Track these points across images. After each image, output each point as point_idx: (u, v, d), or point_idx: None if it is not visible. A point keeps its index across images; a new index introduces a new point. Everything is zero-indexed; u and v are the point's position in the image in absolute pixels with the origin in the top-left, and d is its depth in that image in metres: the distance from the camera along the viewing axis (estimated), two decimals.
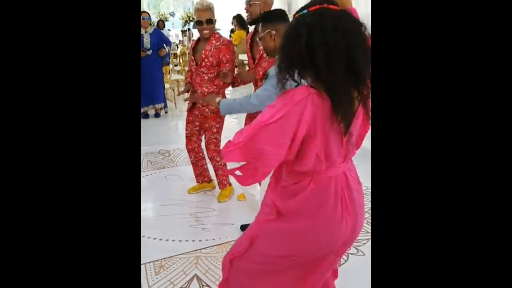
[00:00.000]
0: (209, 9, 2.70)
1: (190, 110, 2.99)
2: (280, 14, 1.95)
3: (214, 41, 2.75)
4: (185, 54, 7.60)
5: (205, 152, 3.09)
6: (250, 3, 2.60)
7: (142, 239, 2.52)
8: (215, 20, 2.78)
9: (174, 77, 6.65)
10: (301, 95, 1.04)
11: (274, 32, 1.86)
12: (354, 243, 2.44)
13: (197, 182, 3.26)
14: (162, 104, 5.60)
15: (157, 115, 5.63)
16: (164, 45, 5.38)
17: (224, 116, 2.74)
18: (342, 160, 1.18)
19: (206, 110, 2.84)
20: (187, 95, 3.06)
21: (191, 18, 11.75)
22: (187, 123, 3.03)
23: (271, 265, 1.32)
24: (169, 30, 11.57)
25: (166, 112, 5.80)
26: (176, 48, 9.02)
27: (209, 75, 2.77)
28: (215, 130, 2.90)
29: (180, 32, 11.89)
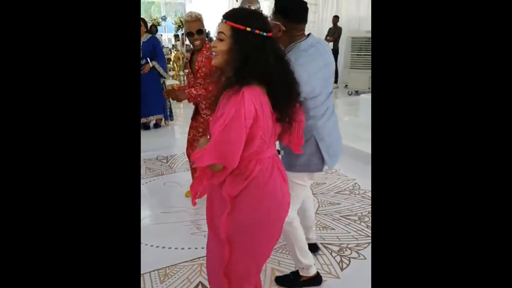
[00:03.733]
0: (198, 20, 2.72)
1: (194, 117, 3.02)
2: (299, 14, 1.73)
3: (205, 51, 2.78)
4: (179, 59, 7.60)
5: None
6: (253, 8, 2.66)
7: (145, 247, 2.53)
8: (205, 30, 2.79)
9: (168, 82, 6.64)
10: (249, 93, 1.26)
11: (284, 28, 1.70)
12: (355, 248, 2.50)
13: None
14: (161, 116, 5.44)
15: (156, 125, 5.51)
16: (148, 59, 4.97)
17: None
18: (273, 142, 1.43)
19: (211, 118, 2.86)
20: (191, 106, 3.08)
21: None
22: (190, 128, 3.06)
23: (255, 246, 1.46)
24: (161, 34, 11.57)
25: (166, 125, 5.58)
26: (169, 53, 9.02)
27: None
28: None
29: (173, 37, 11.90)
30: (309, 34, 1.77)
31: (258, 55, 1.28)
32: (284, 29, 1.70)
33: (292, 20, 1.71)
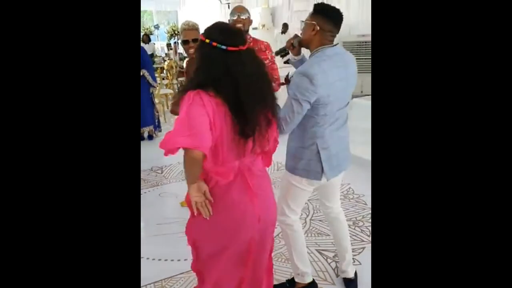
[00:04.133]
0: (195, 29, 2.77)
1: None
2: (337, 17, 1.75)
3: None
4: (172, 67, 7.59)
5: None
6: (242, 17, 2.68)
7: (141, 260, 2.49)
8: None
9: (162, 91, 6.62)
10: (195, 92, 1.33)
11: (318, 28, 1.71)
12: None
13: None
14: (151, 127, 5.36)
15: (150, 137, 5.42)
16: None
17: None
18: (237, 157, 1.45)
19: None
20: None
21: (176, 32, 11.75)
22: None
23: (217, 255, 1.54)
24: (154, 43, 11.57)
25: (156, 136, 5.48)
26: (163, 61, 9.02)
27: None
28: None
29: (166, 46, 11.90)
30: (336, 44, 1.78)
31: (208, 65, 1.36)
32: (319, 28, 1.71)
33: (330, 20, 1.72)
